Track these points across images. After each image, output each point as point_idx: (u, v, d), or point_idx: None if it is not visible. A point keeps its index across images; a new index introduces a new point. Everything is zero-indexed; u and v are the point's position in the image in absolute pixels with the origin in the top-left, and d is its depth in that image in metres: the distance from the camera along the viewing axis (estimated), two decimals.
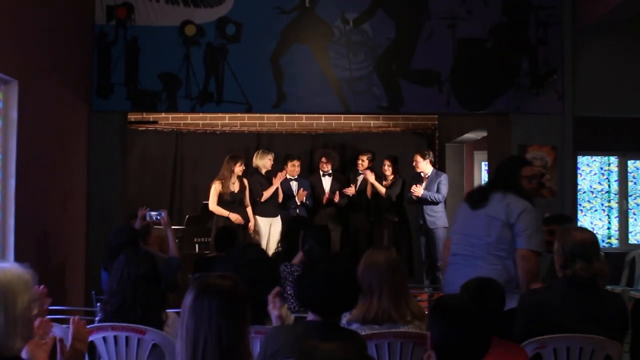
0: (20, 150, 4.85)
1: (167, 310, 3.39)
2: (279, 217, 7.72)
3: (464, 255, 4.05)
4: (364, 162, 7.99)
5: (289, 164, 7.85)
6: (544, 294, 3.38)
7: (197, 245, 7.67)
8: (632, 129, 7.99)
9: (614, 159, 8.65)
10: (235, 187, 7.26)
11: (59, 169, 5.73)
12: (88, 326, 3.16)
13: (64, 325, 3.14)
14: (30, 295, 2.26)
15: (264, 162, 7.74)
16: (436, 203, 7.39)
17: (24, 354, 2.28)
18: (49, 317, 2.72)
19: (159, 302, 3.35)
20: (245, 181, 7.45)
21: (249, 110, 6.71)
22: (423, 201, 7.40)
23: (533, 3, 6.57)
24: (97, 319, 3.50)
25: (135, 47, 6.45)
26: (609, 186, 8.64)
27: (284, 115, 9.16)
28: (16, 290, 2.21)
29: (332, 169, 8.09)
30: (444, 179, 7.47)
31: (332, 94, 6.56)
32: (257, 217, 7.61)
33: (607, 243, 8.55)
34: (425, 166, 7.53)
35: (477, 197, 4.14)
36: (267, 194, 7.59)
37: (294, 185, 7.83)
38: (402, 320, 3.15)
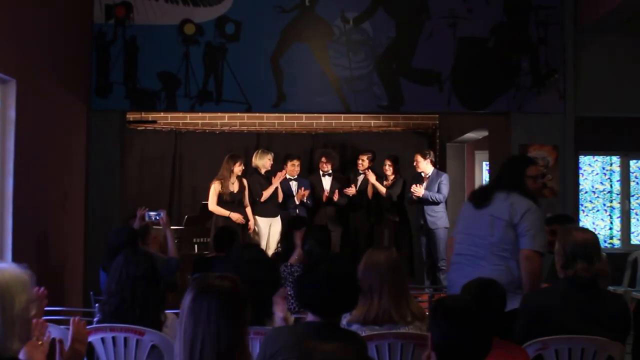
0: (19, 150, 4.84)
1: (166, 311, 3.37)
2: (278, 217, 7.70)
3: (467, 255, 4.02)
4: (364, 161, 7.97)
5: (289, 164, 7.83)
6: (544, 294, 3.37)
7: (196, 246, 7.65)
8: (634, 129, 7.97)
9: (616, 159, 8.63)
10: (234, 187, 7.25)
11: (58, 168, 5.71)
12: (87, 327, 3.15)
13: (63, 327, 3.12)
14: (28, 296, 2.27)
15: (263, 162, 7.72)
16: (437, 203, 7.37)
17: (21, 355, 2.26)
18: (46, 317, 2.70)
19: (158, 302, 3.33)
20: (245, 181, 7.44)
21: (248, 110, 6.70)
22: (424, 201, 7.38)
23: (534, 3, 6.55)
24: (95, 319, 3.48)
25: (134, 46, 6.43)
26: (611, 186, 8.61)
27: (284, 115, 9.13)
28: (14, 290, 2.22)
29: (332, 169, 8.07)
30: (444, 178, 7.45)
31: (332, 94, 6.55)
32: (257, 217, 7.60)
33: (609, 244, 8.53)
34: (425, 166, 7.51)
35: (481, 197, 4.10)
36: (266, 194, 7.57)
37: (293, 185, 7.82)
38: (402, 321, 3.14)
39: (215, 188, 7.19)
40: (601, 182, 8.61)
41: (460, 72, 6.53)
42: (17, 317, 2.20)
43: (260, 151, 7.91)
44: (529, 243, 3.86)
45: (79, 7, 6.25)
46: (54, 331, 2.74)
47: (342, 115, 9.09)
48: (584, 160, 8.52)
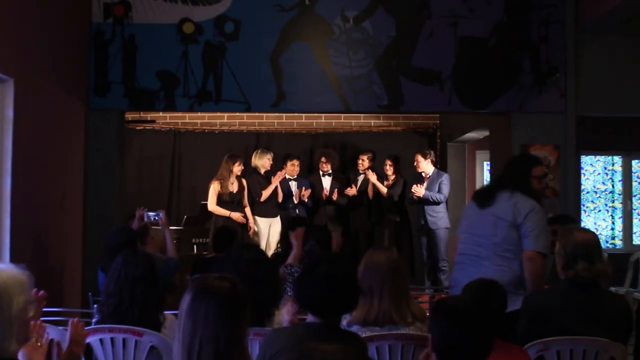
0: (16, 150, 4.82)
1: (165, 312, 3.36)
2: (278, 217, 7.69)
3: (470, 255, 4.00)
4: (364, 161, 7.96)
5: (288, 164, 7.82)
6: (545, 295, 3.36)
7: (195, 246, 7.64)
8: (636, 129, 7.94)
9: (617, 159, 8.59)
10: (234, 187, 7.23)
11: (56, 168, 5.70)
12: (85, 328, 3.13)
13: (61, 328, 3.10)
14: (27, 297, 2.27)
15: (262, 161, 7.70)
16: (437, 203, 7.35)
17: (20, 357, 2.24)
18: (44, 318, 2.68)
19: (157, 303, 3.32)
20: (244, 181, 7.43)
21: (248, 109, 6.68)
22: (424, 201, 7.36)
23: (535, 2, 6.55)
24: (94, 320, 3.47)
25: (132, 45, 6.41)
26: (613, 186, 8.58)
27: (284, 115, 9.12)
28: (12, 291, 2.23)
29: (331, 169, 8.05)
30: (445, 178, 7.43)
31: (332, 93, 6.53)
32: (257, 217, 7.58)
33: (611, 244, 8.49)
34: (426, 166, 7.49)
35: (484, 196, 4.07)
36: (266, 194, 7.56)
37: (293, 185, 7.80)
38: (403, 322, 3.12)
39: (214, 188, 7.17)
40: (603, 182, 8.58)
41: (460, 71, 6.51)
42: (14, 318, 2.21)
43: (259, 151, 7.89)
44: (532, 244, 3.83)
45: (77, 5, 6.23)
46: (51, 332, 2.71)
47: (342, 114, 9.07)
48: (586, 160, 8.49)
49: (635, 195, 8.58)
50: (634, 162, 8.60)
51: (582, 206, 8.00)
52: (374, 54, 6.53)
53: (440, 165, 8.55)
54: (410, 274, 7.62)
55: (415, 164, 7.56)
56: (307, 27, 6.54)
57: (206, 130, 9.18)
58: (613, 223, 8.56)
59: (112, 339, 3.20)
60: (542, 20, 6.53)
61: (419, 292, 6.59)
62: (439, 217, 7.39)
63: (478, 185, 9.26)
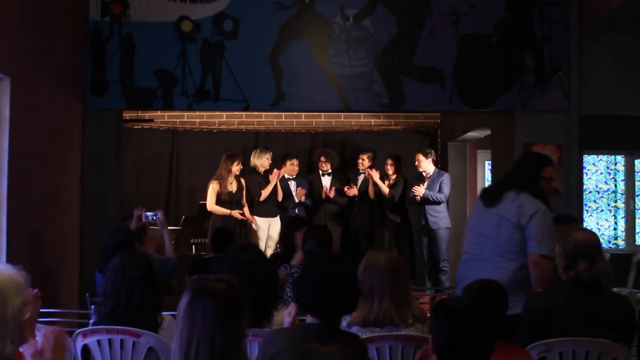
0: (13, 149, 4.82)
1: (163, 313, 3.35)
2: (277, 217, 7.67)
3: (474, 254, 3.96)
4: (364, 161, 7.93)
5: (288, 163, 7.80)
6: (546, 296, 3.34)
7: (193, 246, 7.64)
8: (639, 128, 7.89)
9: (620, 158, 8.57)
10: (233, 186, 7.22)
11: (52, 168, 5.70)
12: (82, 329, 3.11)
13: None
14: (23, 298, 2.25)
15: (261, 161, 7.68)
16: (438, 203, 7.33)
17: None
18: (41, 319, 2.66)
19: (155, 304, 3.31)
20: (243, 181, 7.40)
21: (246, 109, 6.64)
22: (425, 201, 7.33)
23: None
24: (91, 321, 3.46)
25: (130, 44, 6.37)
26: (616, 186, 8.55)
27: (283, 114, 9.08)
28: (7, 292, 2.19)
29: (331, 168, 8.03)
30: (446, 178, 7.41)
31: (331, 92, 6.50)
32: (256, 217, 7.54)
33: (614, 244, 8.47)
34: (427, 165, 7.46)
35: (491, 194, 3.99)
36: (265, 193, 7.54)
37: (292, 184, 7.78)
38: (403, 323, 3.12)
39: (213, 188, 7.15)
40: (605, 182, 8.55)
41: (462, 69, 6.47)
42: (10, 319, 2.17)
43: (258, 150, 7.87)
44: (537, 247, 3.72)
45: (75, 4, 6.21)
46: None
47: (342, 113, 9.05)
48: (588, 160, 8.46)
49: (638, 195, 8.54)
50: (637, 162, 8.57)
51: (584, 206, 7.97)
52: (375, 52, 6.49)
53: (441, 164, 8.53)
54: (411, 275, 7.60)
55: (416, 163, 7.54)
56: (306, 26, 6.50)
57: (205, 130, 9.16)
58: (615, 223, 8.53)
59: (109, 340, 3.20)
60: (545, 18, 6.48)
61: (420, 292, 6.56)
62: (440, 217, 7.37)
63: (479, 185, 9.24)
